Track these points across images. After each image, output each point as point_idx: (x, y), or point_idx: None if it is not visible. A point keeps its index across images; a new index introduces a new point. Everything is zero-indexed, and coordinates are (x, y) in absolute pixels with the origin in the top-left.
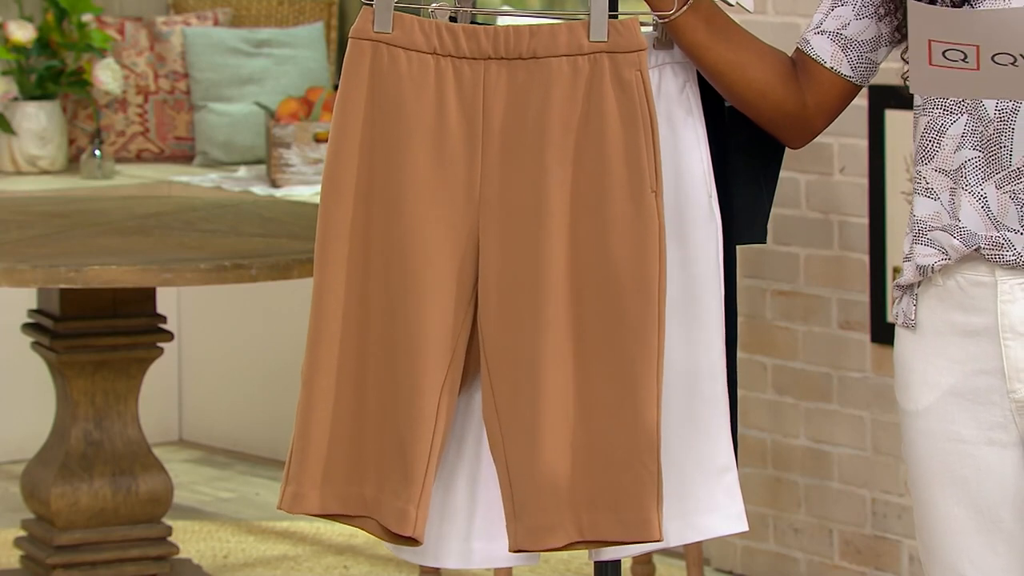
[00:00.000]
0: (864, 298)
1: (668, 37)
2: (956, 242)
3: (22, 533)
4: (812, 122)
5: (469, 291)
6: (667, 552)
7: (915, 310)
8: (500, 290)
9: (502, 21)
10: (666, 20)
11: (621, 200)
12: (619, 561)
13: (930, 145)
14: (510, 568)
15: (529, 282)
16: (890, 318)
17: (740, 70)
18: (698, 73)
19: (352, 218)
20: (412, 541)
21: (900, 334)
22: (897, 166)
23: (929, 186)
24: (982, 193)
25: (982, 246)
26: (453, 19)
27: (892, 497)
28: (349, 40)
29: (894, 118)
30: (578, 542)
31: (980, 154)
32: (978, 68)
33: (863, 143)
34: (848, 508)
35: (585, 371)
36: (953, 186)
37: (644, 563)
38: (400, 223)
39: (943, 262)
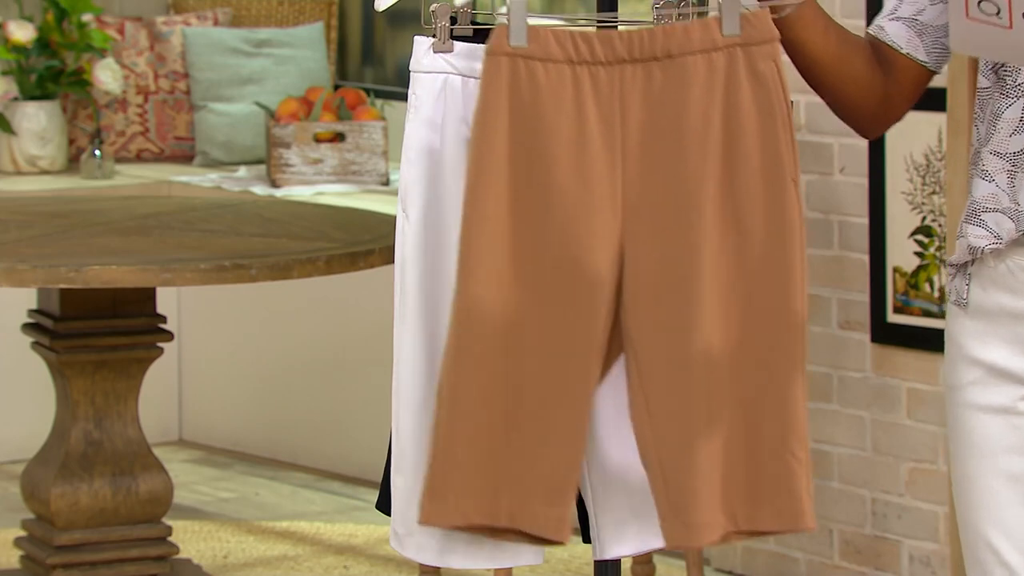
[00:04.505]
0: (864, 298)
1: None
2: (1010, 224)
3: (22, 533)
4: (893, 110)
5: (613, 298)
6: (667, 552)
7: (967, 289)
8: (651, 293)
9: (502, 21)
10: (783, 12)
11: (763, 191)
12: (619, 561)
13: (988, 128)
14: (510, 568)
15: (680, 282)
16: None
17: (843, 63)
18: None
19: (499, 232)
20: (557, 543)
21: (951, 311)
22: (897, 166)
23: (985, 168)
24: None
25: None
26: (454, 19)
27: (892, 497)
28: (485, 57)
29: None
30: (732, 533)
31: None
32: (1011, 26)
33: (863, 143)
34: (848, 508)
35: (736, 366)
36: (1012, 169)
37: (644, 563)
38: (547, 235)
39: (994, 245)
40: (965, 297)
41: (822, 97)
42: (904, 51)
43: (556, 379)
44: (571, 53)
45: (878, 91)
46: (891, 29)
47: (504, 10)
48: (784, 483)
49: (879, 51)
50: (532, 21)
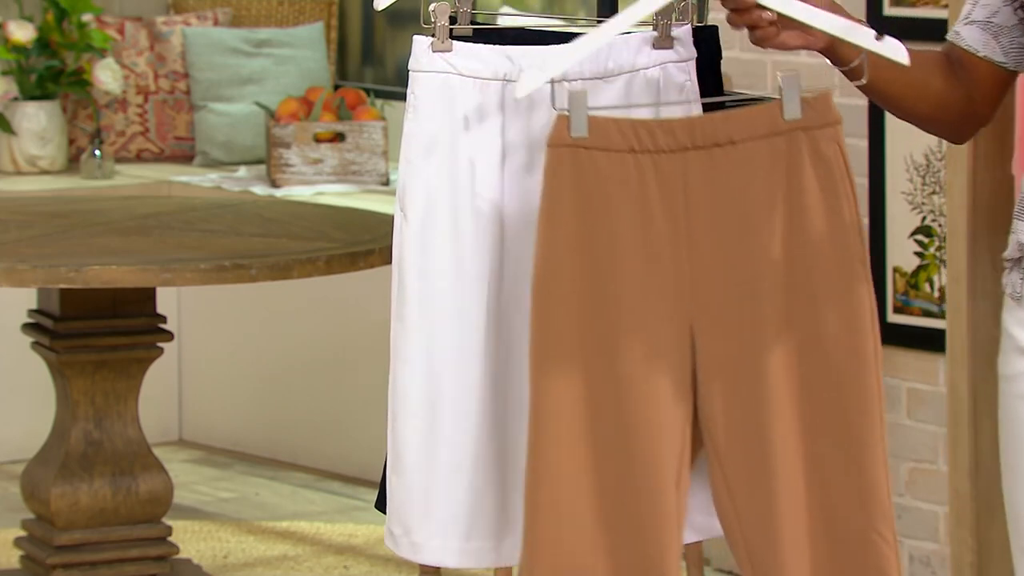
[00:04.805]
0: None
1: (668, 36)
2: None
3: (22, 533)
4: (980, 114)
5: (689, 383)
6: None
7: (1021, 283)
8: (725, 378)
9: (503, 21)
10: (860, 81)
11: (831, 274)
12: None
13: None
14: (510, 568)
15: (751, 366)
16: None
17: (919, 87)
18: (696, 72)
19: (570, 322)
20: None
21: (1007, 303)
22: (897, 166)
23: None
24: None
25: None
26: (453, 19)
27: (892, 497)
28: (547, 149)
29: (894, 118)
30: None
31: None
32: None
33: (863, 143)
34: None
35: (814, 447)
36: None
37: None
38: (619, 323)
39: None
40: (1019, 291)
41: (904, 119)
42: (981, 54)
43: (639, 474)
44: (632, 142)
45: (959, 100)
46: (967, 34)
47: (506, 10)
48: (872, 564)
49: (957, 57)
50: (514, 22)
